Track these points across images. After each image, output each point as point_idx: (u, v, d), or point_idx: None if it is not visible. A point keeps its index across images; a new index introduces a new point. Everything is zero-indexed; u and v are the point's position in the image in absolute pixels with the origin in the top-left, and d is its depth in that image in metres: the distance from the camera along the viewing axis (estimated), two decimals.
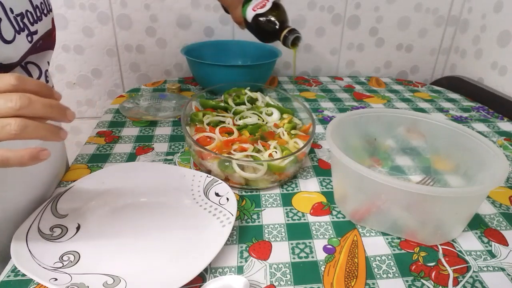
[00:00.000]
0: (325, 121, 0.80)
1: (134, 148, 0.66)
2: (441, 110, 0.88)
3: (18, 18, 0.40)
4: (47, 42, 0.48)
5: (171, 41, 1.05)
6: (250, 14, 0.65)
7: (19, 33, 0.40)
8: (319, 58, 1.13)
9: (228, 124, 0.64)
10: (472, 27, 1.05)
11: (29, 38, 0.42)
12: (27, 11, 0.42)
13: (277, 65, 1.12)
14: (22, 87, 0.32)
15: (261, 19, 0.64)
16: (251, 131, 0.61)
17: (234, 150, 0.57)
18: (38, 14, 0.44)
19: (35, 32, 0.44)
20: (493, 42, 0.96)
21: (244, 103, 0.71)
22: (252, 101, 0.73)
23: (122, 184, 0.52)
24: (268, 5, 0.64)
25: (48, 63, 0.50)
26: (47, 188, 0.53)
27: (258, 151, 0.57)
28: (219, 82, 0.80)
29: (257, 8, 0.64)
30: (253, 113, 0.67)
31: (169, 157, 0.63)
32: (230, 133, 0.61)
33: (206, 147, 0.56)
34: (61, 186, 0.55)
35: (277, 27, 0.64)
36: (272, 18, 0.64)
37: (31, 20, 0.43)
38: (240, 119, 0.66)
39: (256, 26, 0.66)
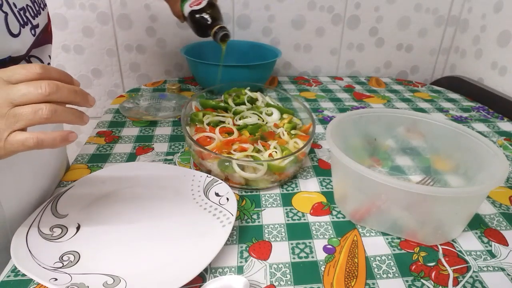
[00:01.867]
0: (325, 121, 0.80)
1: (134, 148, 0.66)
2: (441, 110, 0.88)
3: (21, 12, 0.42)
4: (46, 35, 0.49)
5: (171, 41, 1.05)
6: (187, 10, 0.72)
7: (23, 27, 0.42)
8: (319, 58, 1.13)
9: (228, 124, 0.64)
10: (472, 27, 1.05)
11: (33, 32, 0.44)
12: (27, 5, 0.43)
13: (277, 65, 1.12)
14: (47, 75, 0.34)
15: (196, 15, 0.71)
16: (251, 131, 0.61)
17: (234, 150, 0.57)
18: (37, 8, 0.46)
19: (37, 26, 0.45)
20: (493, 42, 0.96)
21: (244, 103, 0.71)
22: (252, 101, 0.73)
23: (122, 184, 0.52)
24: (203, 3, 0.70)
25: (50, 57, 0.51)
26: (53, 179, 0.55)
27: (258, 151, 0.57)
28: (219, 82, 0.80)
29: (193, 5, 0.71)
30: (253, 113, 0.67)
31: (169, 157, 0.63)
32: (230, 133, 0.61)
33: (206, 147, 0.56)
34: (61, 186, 0.55)
35: (209, 23, 0.70)
36: (205, 16, 0.70)
37: (32, 14, 0.44)
38: (240, 119, 0.66)
39: (191, 21, 0.73)
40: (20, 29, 0.41)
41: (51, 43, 0.52)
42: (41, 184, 0.51)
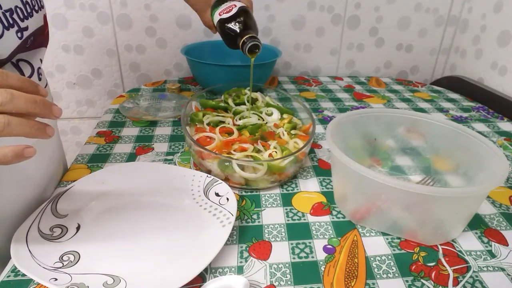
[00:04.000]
0: (325, 121, 0.80)
1: (134, 148, 0.66)
2: (441, 110, 0.88)
3: (7, 14, 0.40)
4: (40, 39, 0.47)
5: (171, 41, 1.05)
6: (216, 18, 0.64)
7: (8, 29, 0.40)
8: (319, 58, 1.13)
9: (228, 124, 0.64)
10: (472, 27, 1.05)
11: (19, 35, 0.42)
12: (16, 7, 0.41)
13: (277, 65, 1.12)
14: (4, 83, 0.31)
15: (225, 24, 0.62)
16: (251, 131, 0.61)
17: (234, 150, 0.57)
18: (29, 10, 0.43)
19: (26, 28, 0.43)
20: (493, 42, 0.96)
21: (244, 103, 0.71)
22: (252, 101, 0.73)
23: (122, 184, 0.52)
24: (234, 10, 0.61)
25: (41, 60, 0.49)
26: (42, 190, 0.52)
27: (258, 151, 0.57)
28: (219, 82, 0.80)
29: (223, 13, 0.62)
30: (253, 113, 0.67)
31: (169, 157, 0.63)
32: (230, 133, 0.61)
33: (206, 147, 0.56)
34: (61, 186, 0.55)
35: (238, 32, 0.61)
36: (236, 24, 0.61)
37: (21, 16, 0.42)
38: (240, 119, 0.66)
39: (220, 32, 0.64)
40: (3, 31, 0.39)
41: (45, 47, 0.49)
42: (26, 195, 0.49)
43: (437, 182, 0.56)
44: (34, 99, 0.32)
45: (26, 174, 0.49)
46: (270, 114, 0.69)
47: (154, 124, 0.75)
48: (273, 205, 0.52)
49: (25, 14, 0.43)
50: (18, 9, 0.41)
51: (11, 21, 0.40)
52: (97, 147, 0.65)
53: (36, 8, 0.46)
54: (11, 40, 0.41)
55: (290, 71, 1.14)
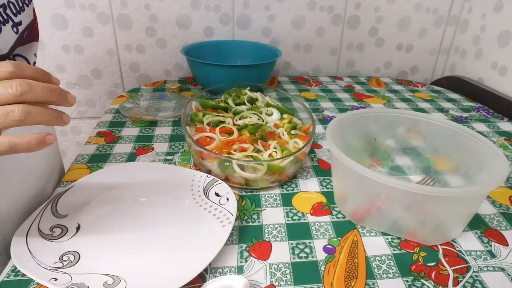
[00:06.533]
0: (325, 121, 0.80)
1: (134, 148, 0.66)
2: (441, 110, 0.88)
3: (1, 10, 0.40)
4: (32, 33, 0.47)
5: (171, 41, 1.05)
6: None
7: (4, 25, 0.40)
8: (319, 58, 1.13)
9: (228, 124, 0.64)
10: (472, 27, 1.05)
11: (15, 29, 0.42)
12: (9, 1, 0.41)
13: (277, 65, 1.12)
14: (20, 74, 0.32)
15: None
16: (251, 131, 0.61)
17: (234, 150, 0.57)
18: (21, 5, 0.43)
19: (20, 23, 0.43)
20: (493, 42, 0.96)
21: (244, 103, 0.71)
22: (252, 101, 0.73)
23: (122, 184, 0.52)
24: None
25: (35, 55, 0.49)
26: (44, 183, 0.53)
27: (258, 151, 0.57)
28: (219, 82, 0.80)
29: None
30: (253, 113, 0.67)
31: (169, 157, 0.63)
32: (230, 133, 0.61)
33: (206, 147, 0.56)
34: (61, 186, 0.55)
35: None
36: None
37: (14, 11, 0.42)
38: (240, 119, 0.66)
39: None
40: (0, 27, 0.39)
41: (37, 41, 0.49)
42: (31, 188, 0.50)
43: (437, 182, 0.56)
44: (50, 87, 0.33)
45: (30, 166, 0.49)
46: (270, 114, 0.69)
47: (154, 124, 0.75)
48: (273, 205, 0.52)
49: (18, 8, 0.43)
50: (10, 4, 0.41)
51: (5, 17, 0.40)
52: (97, 147, 0.65)
53: (27, 1, 0.46)
54: (9, 35, 0.41)
55: (290, 71, 1.14)
